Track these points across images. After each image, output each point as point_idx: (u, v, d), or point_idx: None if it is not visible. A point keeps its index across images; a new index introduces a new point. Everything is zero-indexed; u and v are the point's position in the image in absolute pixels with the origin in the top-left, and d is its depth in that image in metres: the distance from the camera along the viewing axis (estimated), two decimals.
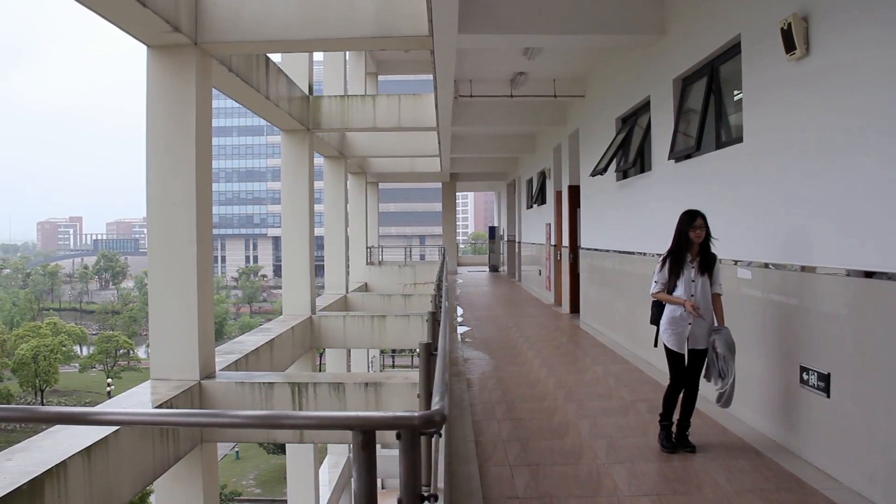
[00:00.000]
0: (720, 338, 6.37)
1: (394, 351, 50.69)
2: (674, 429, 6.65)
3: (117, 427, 6.21)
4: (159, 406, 7.75)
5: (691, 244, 6.46)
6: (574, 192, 17.06)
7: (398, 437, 2.13)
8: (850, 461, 5.55)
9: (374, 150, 26.73)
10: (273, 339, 14.07)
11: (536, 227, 23.86)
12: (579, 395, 8.86)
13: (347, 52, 26.58)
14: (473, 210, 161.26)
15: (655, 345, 6.84)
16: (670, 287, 6.53)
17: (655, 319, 6.74)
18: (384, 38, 10.12)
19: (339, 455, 20.70)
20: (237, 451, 50.46)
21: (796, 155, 6.33)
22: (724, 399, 6.38)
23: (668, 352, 6.63)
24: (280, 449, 41.23)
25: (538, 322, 16.57)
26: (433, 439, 3.94)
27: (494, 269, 39.00)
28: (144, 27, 8.08)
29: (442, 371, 3.26)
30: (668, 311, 6.59)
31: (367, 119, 19.26)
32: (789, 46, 6.21)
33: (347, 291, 26.12)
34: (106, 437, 6.27)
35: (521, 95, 16.21)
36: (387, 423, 2.11)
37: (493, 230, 40.75)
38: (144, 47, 8.74)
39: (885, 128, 5.07)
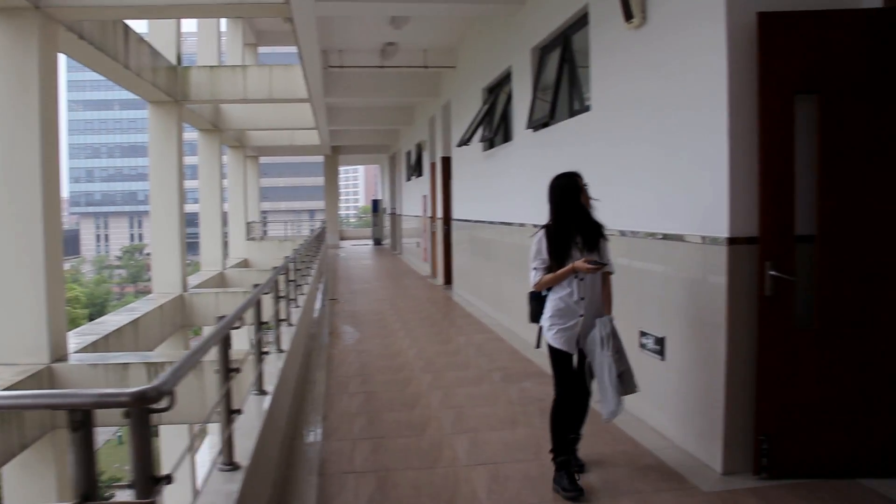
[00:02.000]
0: (598, 328, 4.92)
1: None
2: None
3: None
4: None
5: (576, 214, 4.99)
6: (447, 163, 17.02)
7: (127, 415, 1.97)
8: (681, 421, 5.67)
9: (250, 123, 26.13)
10: (138, 318, 13.57)
11: (415, 199, 23.80)
12: (437, 366, 8.83)
13: (224, 23, 25.87)
14: (365, 183, 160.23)
15: (538, 345, 5.38)
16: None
17: (536, 315, 5.23)
18: (240, 5, 9.81)
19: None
20: (119, 436, 49.01)
21: (636, 124, 6.40)
22: (605, 409, 4.93)
23: (556, 354, 5.04)
24: None
25: (411, 294, 16.55)
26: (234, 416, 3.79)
27: (378, 242, 38.88)
28: None
29: (193, 349, 3.05)
30: (553, 302, 5.02)
31: (238, 90, 18.75)
32: (628, 15, 6.24)
33: (224, 268, 25.56)
34: None
35: (393, 66, 16.02)
36: (95, 402, 1.95)
37: (376, 203, 40.59)
38: None
39: (706, 99, 5.14)
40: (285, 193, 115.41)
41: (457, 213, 15.73)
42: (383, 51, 15.53)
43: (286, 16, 10.04)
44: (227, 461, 3.61)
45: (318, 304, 14.84)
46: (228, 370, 3.62)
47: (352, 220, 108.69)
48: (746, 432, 5.02)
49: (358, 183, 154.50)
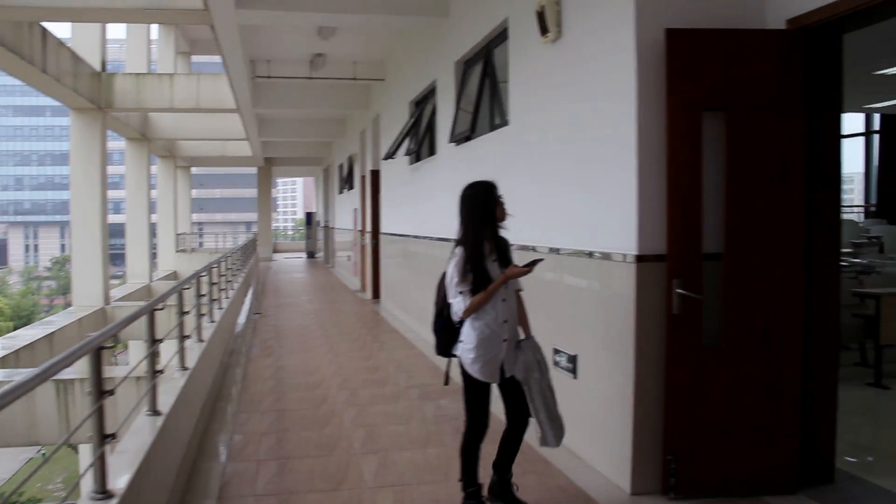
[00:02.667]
0: (526, 353, 4.61)
1: None
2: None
3: None
4: None
5: (489, 229, 4.58)
6: (376, 176, 16.88)
7: None
8: (593, 440, 5.61)
9: (181, 133, 25.72)
10: (53, 332, 13.15)
11: (347, 212, 23.60)
12: (354, 383, 8.66)
13: (155, 30, 25.41)
14: (303, 196, 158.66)
15: (447, 382, 4.89)
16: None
17: (446, 349, 4.69)
18: (156, 11, 9.61)
19: None
20: (43, 453, 47.44)
21: (552, 139, 6.35)
22: (551, 437, 4.64)
23: (475, 385, 4.58)
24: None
25: (338, 308, 16.34)
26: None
27: (311, 255, 38.52)
28: None
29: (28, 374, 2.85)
30: (477, 330, 4.49)
31: (165, 99, 18.43)
32: (544, 29, 6.19)
33: (151, 280, 25.05)
34: None
35: (322, 78, 15.84)
36: None
37: (309, 216, 40.26)
38: None
39: (617, 115, 5.10)
40: (222, 205, 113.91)
41: (385, 226, 15.60)
42: (312, 62, 15.37)
43: (207, 23, 9.85)
44: (100, 489, 3.40)
45: (242, 319, 14.55)
46: (101, 391, 3.41)
47: (290, 232, 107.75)
48: (655, 452, 4.96)
49: (297, 195, 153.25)
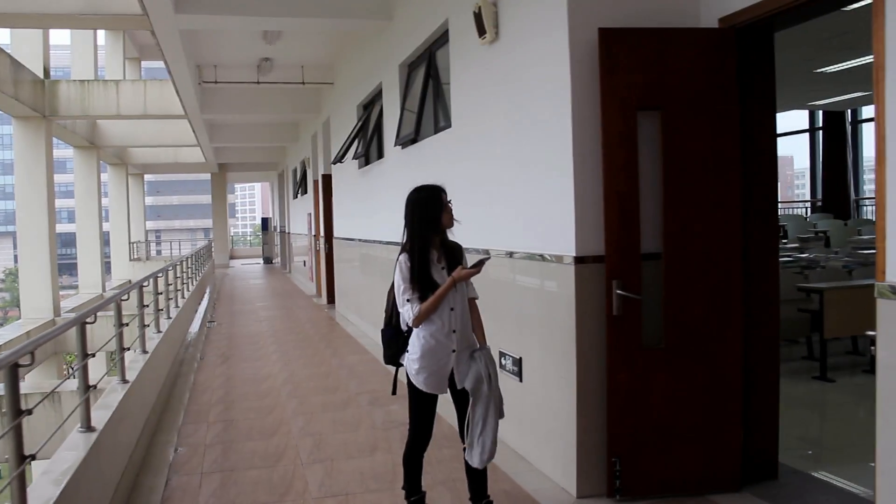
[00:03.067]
0: (479, 363, 4.35)
1: None
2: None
3: None
4: None
5: (436, 234, 4.40)
6: (328, 180, 16.76)
7: None
8: (539, 443, 5.58)
9: (131, 140, 25.38)
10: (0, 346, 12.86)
11: (301, 217, 23.43)
12: (305, 391, 8.56)
13: (103, 36, 25.03)
14: (261, 201, 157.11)
15: (394, 391, 4.67)
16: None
17: (394, 357, 4.55)
18: (93, 17, 9.42)
19: None
20: None
21: (493, 141, 6.31)
22: (478, 455, 4.31)
23: (421, 396, 4.42)
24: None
25: (293, 315, 16.19)
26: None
27: (268, 261, 38.21)
28: None
29: None
30: (423, 340, 4.33)
31: (111, 106, 18.16)
32: (481, 30, 6.15)
33: (105, 290, 24.70)
34: None
35: (270, 82, 15.69)
36: None
37: (266, 221, 39.91)
38: None
39: (553, 116, 5.07)
40: (180, 211, 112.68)
41: (338, 231, 15.50)
42: (260, 66, 15.21)
43: (146, 28, 9.69)
44: None
45: (194, 327, 14.37)
46: (18, 410, 3.30)
47: (249, 238, 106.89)
48: (600, 454, 4.94)
49: (255, 200, 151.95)
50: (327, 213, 16.81)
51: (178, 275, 13.32)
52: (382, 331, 4.61)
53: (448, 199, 4.43)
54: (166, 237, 73.89)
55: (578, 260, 4.87)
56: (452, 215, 4.42)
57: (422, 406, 4.46)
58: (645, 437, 4.86)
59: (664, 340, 4.84)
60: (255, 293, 22.26)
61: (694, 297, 4.83)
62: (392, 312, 4.53)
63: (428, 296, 4.24)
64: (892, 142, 3.03)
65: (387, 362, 4.64)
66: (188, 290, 15.01)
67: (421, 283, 4.27)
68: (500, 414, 4.41)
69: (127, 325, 6.33)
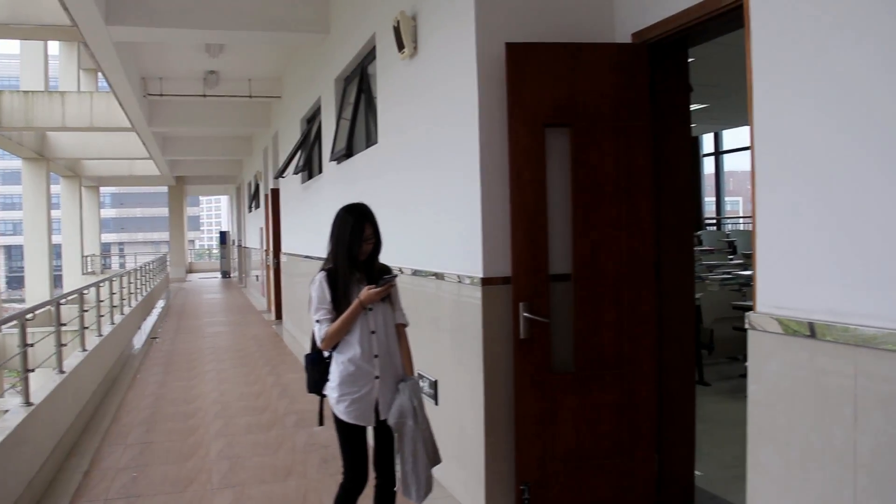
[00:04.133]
0: (403, 396, 4.11)
1: None
2: None
3: None
4: None
5: (361, 252, 4.13)
6: (276, 195, 16.54)
7: None
8: (452, 469, 5.40)
9: (81, 152, 24.96)
10: None
11: (255, 230, 23.15)
12: (232, 411, 8.34)
13: (57, 46, 24.66)
14: (227, 214, 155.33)
15: (321, 422, 4.44)
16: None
17: (317, 384, 4.24)
18: (18, 27, 9.15)
19: None
20: None
21: (413, 158, 6.17)
22: (414, 491, 4.13)
23: (345, 429, 4.11)
24: None
25: (240, 331, 15.92)
26: None
27: (226, 275, 37.79)
28: None
29: None
30: (341, 366, 4.06)
31: (55, 118, 17.83)
32: (400, 45, 6.01)
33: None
34: None
35: (216, 95, 15.47)
36: None
37: (223, 235, 39.50)
38: None
39: (464, 133, 4.93)
40: (144, 224, 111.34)
41: (285, 246, 15.28)
42: (205, 79, 14.99)
43: (77, 40, 9.46)
44: None
45: (137, 343, 14.08)
46: None
47: (214, 251, 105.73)
48: (508, 480, 4.79)
49: (221, 213, 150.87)
50: (276, 228, 16.58)
51: (115, 290, 13.01)
52: (306, 356, 4.30)
53: (373, 223, 4.14)
54: (129, 250, 72.95)
55: (485, 281, 4.72)
56: (369, 246, 4.12)
57: (350, 440, 4.12)
58: (554, 463, 4.71)
59: (574, 364, 4.70)
60: (206, 308, 21.92)
61: (605, 319, 4.70)
62: None
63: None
64: (761, 168, 2.93)
65: (310, 391, 4.29)
66: (130, 305, 14.70)
67: (336, 303, 4.03)
68: (436, 459, 4.22)
69: (31, 345, 6.09)
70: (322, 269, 4.15)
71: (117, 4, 8.97)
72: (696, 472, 5.14)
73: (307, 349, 4.30)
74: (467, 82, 4.85)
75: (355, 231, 4.06)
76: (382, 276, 4.16)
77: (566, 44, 4.65)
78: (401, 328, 4.27)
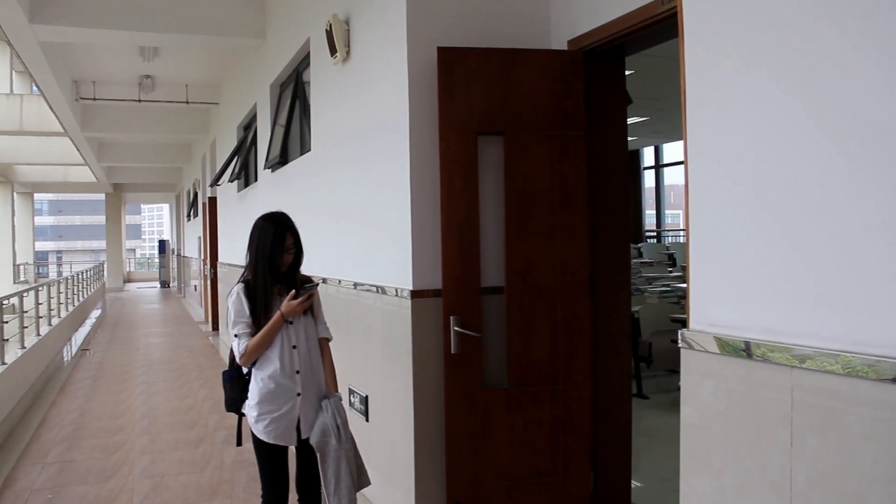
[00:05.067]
0: (325, 414, 3.94)
1: None
2: None
3: None
4: None
5: (281, 263, 3.95)
6: (213, 203, 16.18)
7: None
8: (383, 487, 5.22)
9: (11, 157, 24.26)
10: None
11: (194, 239, 22.68)
12: (161, 426, 8.05)
13: None
14: (168, 223, 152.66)
15: (239, 442, 4.24)
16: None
17: (235, 403, 4.03)
18: None
19: None
20: None
21: (346, 166, 5.98)
22: None
23: (265, 450, 3.93)
24: None
25: (175, 342, 15.52)
26: None
27: (165, 284, 37.03)
28: None
29: None
30: (261, 383, 3.86)
31: None
32: (332, 49, 5.83)
33: None
34: None
35: (152, 101, 15.08)
36: None
37: (162, 244, 38.67)
38: None
39: (395, 141, 4.76)
40: (83, 232, 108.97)
41: (222, 255, 14.94)
42: (141, 84, 14.61)
43: (4, 40, 9.09)
44: None
45: (66, 356, 13.64)
46: None
47: (155, 260, 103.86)
48: (439, 501, 4.62)
49: (164, 221, 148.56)
50: (213, 237, 16.22)
51: (43, 300, 12.58)
52: (224, 373, 4.07)
53: (293, 233, 3.96)
54: (69, 258, 71.27)
55: (415, 294, 4.55)
56: (290, 257, 3.95)
57: (269, 462, 3.94)
58: (487, 482, 4.55)
59: (508, 380, 4.54)
60: (142, 318, 21.40)
61: (539, 333, 4.55)
62: None
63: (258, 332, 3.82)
64: (694, 181, 2.81)
65: (228, 409, 4.07)
66: (59, 316, 14.25)
67: (255, 316, 3.83)
68: (362, 480, 4.04)
69: None
70: (240, 281, 3.96)
71: (43, 2, 8.63)
72: (636, 483, 5.04)
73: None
74: (398, 88, 4.68)
75: (276, 241, 3.89)
76: (302, 286, 3.98)
77: (500, 49, 4.51)
78: (324, 342, 4.12)
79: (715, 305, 2.72)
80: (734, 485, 2.52)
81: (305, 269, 4.25)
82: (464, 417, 4.50)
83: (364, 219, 5.55)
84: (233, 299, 3.88)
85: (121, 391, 10.17)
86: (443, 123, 4.42)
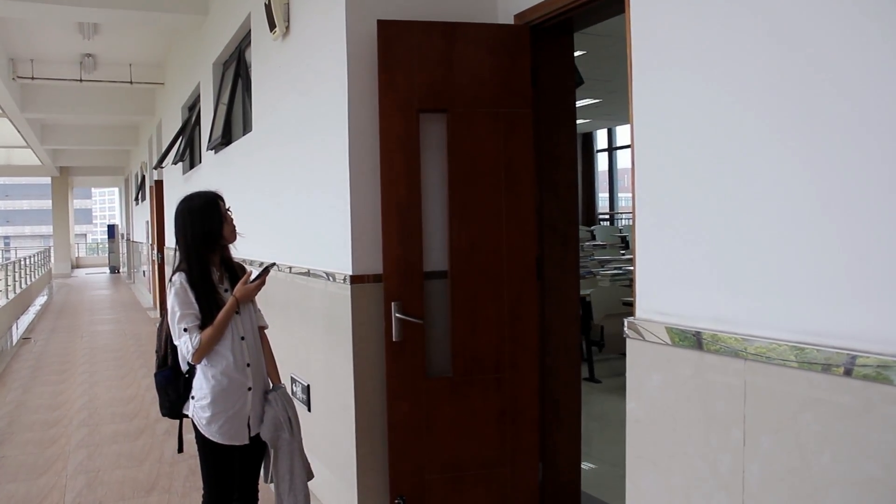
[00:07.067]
0: (275, 407, 3.75)
1: None
2: None
3: None
4: None
5: (215, 251, 3.72)
6: (160, 186, 15.79)
7: None
8: (326, 480, 5.03)
9: None
10: None
11: (142, 224, 22.22)
12: (100, 418, 7.77)
13: None
14: (118, 207, 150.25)
15: (180, 448, 4.02)
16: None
17: (174, 407, 3.71)
18: None
19: None
20: None
21: (287, 147, 5.74)
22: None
23: (216, 451, 3.64)
24: None
25: (122, 329, 15.15)
26: None
27: (115, 270, 36.31)
28: None
29: None
30: (213, 381, 3.57)
31: None
32: (271, 24, 5.59)
33: None
34: None
35: (94, 80, 14.62)
36: None
37: (112, 228, 37.93)
38: None
39: (335, 119, 4.55)
40: (31, 217, 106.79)
41: (168, 240, 14.57)
42: (82, 63, 14.14)
43: None
44: None
45: (8, 344, 13.23)
46: None
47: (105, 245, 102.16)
48: (383, 493, 4.45)
49: (115, 206, 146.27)
50: (160, 221, 15.83)
51: None
52: (155, 375, 3.77)
53: (227, 208, 3.74)
54: (16, 244, 69.82)
55: (354, 279, 4.35)
56: (234, 227, 3.73)
57: (218, 463, 3.65)
58: (432, 474, 4.38)
59: (452, 368, 4.37)
60: (89, 305, 20.89)
61: (484, 320, 4.38)
62: (167, 350, 3.71)
63: (209, 323, 3.52)
64: (641, 162, 2.65)
65: (165, 414, 3.75)
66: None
67: (203, 307, 3.54)
68: (309, 473, 3.86)
69: None
70: (177, 270, 3.64)
71: None
72: (588, 465, 4.92)
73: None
74: (337, 63, 4.46)
75: (212, 213, 3.64)
76: (242, 272, 3.76)
77: (443, 23, 4.30)
78: (261, 331, 3.88)
79: (663, 292, 2.56)
80: (683, 486, 2.37)
81: (244, 253, 4.04)
82: (407, 407, 4.33)
83: (304, 201, 5.34)
84: (175, 289, 3.55)
85: (61, 381, 9.85)
86: (383, 100, 4.21)
